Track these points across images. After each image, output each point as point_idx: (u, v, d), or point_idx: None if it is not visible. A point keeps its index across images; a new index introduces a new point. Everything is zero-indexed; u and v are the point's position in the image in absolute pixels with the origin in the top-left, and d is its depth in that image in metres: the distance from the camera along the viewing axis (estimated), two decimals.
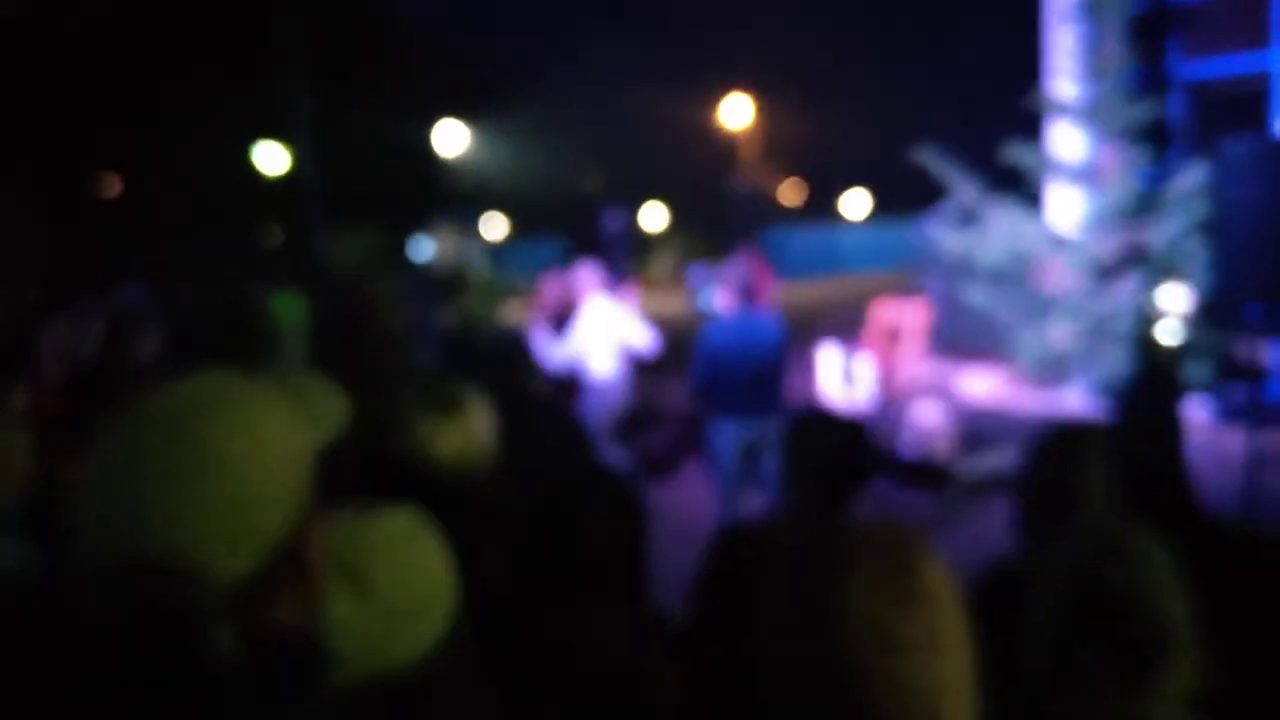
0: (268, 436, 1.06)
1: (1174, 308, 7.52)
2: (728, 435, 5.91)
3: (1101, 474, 2.13)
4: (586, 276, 7.45)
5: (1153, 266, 9.29)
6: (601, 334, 7.32)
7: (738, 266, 6.35)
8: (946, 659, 1.12)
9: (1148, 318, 8.11)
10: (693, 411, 8.95)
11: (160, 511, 0.98)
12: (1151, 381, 5.22)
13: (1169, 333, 6.40)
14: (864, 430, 2.66)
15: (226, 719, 0.98)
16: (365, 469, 2.04)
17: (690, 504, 7.45)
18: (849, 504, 2.59)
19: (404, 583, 1.39)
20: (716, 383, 5.93)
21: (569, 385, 7.35)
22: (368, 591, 1.35)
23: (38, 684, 0.98)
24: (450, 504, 1.85)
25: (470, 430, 2.19)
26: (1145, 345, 7.41)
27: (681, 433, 9.06)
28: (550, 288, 8.13)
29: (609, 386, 7.38)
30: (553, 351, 7.29)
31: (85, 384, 3.68)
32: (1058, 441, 2.23)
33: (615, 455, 7.32)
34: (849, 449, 2.59)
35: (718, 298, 6.31)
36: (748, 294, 6.08)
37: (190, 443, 1.01)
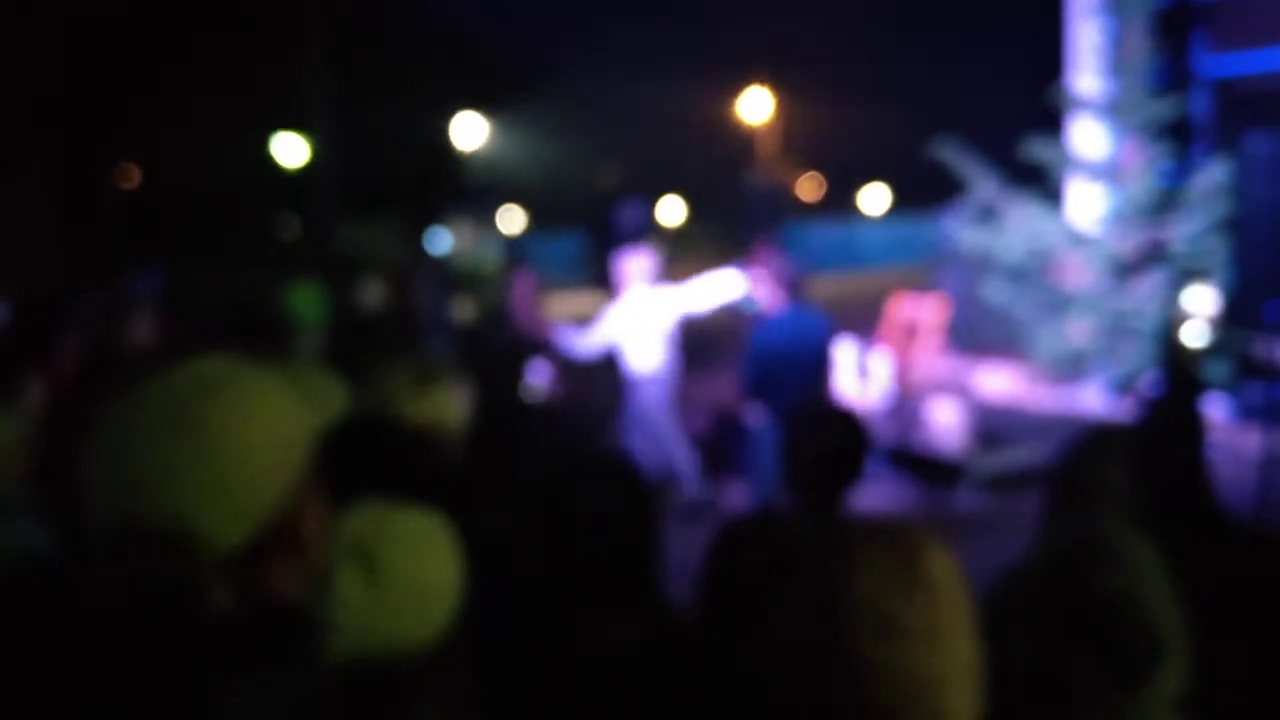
0: (264, 416, 1.15)
1: (1200, 310, 7.46)
2: (775, 436, 5.69)
3: (1121, 475, 2.13)
4: (632, 265, 7.15)
5: (1173, 264, 9.23)
6: (644, 325, 7.07)
7: (783, 262, 6.18)
8: (950, 649, 1.12)
9: (1173, 320, 8.05)
10: (728, 407, 8.91)
11: (158, 481, 1.06)
12: (1175, 383, 5.19)
13: (1194, 336, 6.35)
14: (861, 425, 2.66)
15: (220, 675, 1.04)
16: (344, 440, 2.08)
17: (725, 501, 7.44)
18: (846, 497, 2.59)
19: (414, 573, 1.47)
20: (767, 382, 5.76)
21: (608, 367, 7.17)
22: (378, 575, 1.44)
23: (46, 663, 1.03)
24: (423, 472, 1.90)
25: (443, 403, 2.24)
26: (1169, 347, 7.35)
27: (721, 426, 8.98)
28: (523, 285, 7.99)
29: (657, 379, 7.18)
30: (580, 342, 7.09)
31: (88, 369, 3.72)
32: (1081, 441, 2.23)
33: (676, 447, 7.18)
34: (845, 444, 2.59)
35: (763, 295, 6.15)
36: (795, 290, 5.90)
37: (189, 419, 1.09)
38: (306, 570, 1.20)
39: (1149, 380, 8.74)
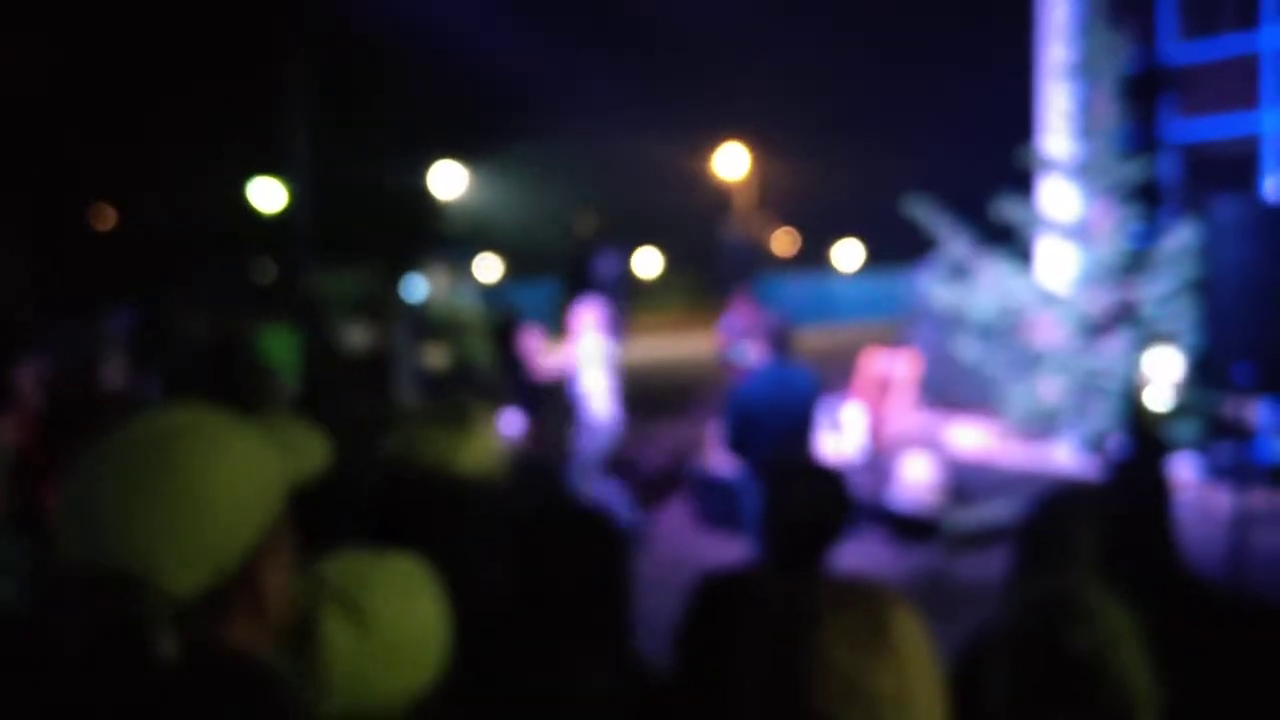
0: (232, 465, 1.13)
1: (1164, 374, 7.53)
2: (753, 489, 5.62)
3: (1088, 534, 2.14)
4: (584, 315, 7.35)
5: (1142, 325, 9.35)
6: (597, 372, 7.25)
7: (768, 316, 6.25)
8: (916, 713, 1.12)
9: (1137, 384, 8.13)
10: (683, 448, 8.96)
11: (116, 525, 1.06)
12: (1140, 447, 5.21)
13: (1158, 400, 6.39)
14: (844, 482, 2.61)
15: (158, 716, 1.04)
16: (384, 491, 2.07)
17: (682, 550, 7.40)
18: (826, 556, 2.55)
19: (401, 622, 1.43)
20: (749, 437, 5.69)
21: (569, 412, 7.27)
22: (366, 625, 1.39)
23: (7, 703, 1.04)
24: (470, 515, 1.89)
25: (482, 443, 2.20)
26: (1134, 411, 7.41)
27: (668, 468, 9.12)
28: (531, 338, 8.05)
29: (606, 426, 7.33)
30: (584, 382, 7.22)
31: (56, 411, 3.68)
32: (1048, 500, 2.24)
33: (605, 489, 7.26)
34: (828, 502, 2.54)
35: (750, 350, 6.20)
36: (780, 344, 5.89)
37: (153, 465, 1.09)
38: (266, 625, 1.17)
39: (1115, 443, 8.81)
